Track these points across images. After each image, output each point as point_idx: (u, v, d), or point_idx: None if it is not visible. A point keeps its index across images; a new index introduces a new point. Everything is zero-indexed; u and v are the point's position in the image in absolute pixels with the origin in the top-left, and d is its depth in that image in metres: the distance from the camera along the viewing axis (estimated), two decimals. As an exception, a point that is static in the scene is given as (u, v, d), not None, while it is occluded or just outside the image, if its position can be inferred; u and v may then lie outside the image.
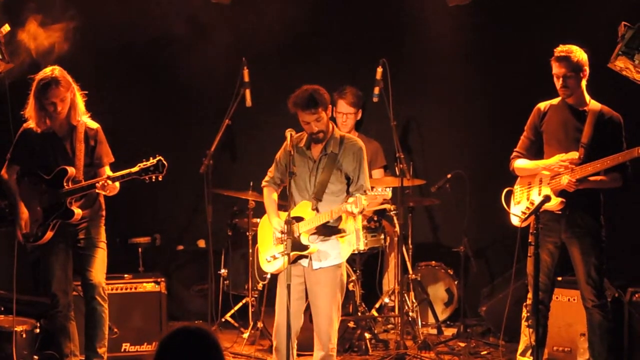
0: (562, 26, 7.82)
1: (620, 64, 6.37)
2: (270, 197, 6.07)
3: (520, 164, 6.31)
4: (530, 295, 6.16)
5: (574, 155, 6.03)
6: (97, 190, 6.20)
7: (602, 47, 6.42)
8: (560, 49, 6.06)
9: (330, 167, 5.81)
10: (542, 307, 6.16)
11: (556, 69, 6.07)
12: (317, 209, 5.76)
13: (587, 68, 6.07)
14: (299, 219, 5.78)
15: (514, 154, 6.37)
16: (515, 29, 8.20)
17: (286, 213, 5.85)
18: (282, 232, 5.75)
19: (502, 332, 6.57)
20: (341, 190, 5.84)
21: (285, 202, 6.13)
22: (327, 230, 5.81)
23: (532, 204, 6.01)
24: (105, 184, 6.11)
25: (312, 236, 5.79)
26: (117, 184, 6.19)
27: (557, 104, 6.24)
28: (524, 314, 6.32)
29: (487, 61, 8.32)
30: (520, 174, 6.34)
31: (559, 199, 6.05)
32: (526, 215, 5.87)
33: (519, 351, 6.39)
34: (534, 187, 6.20)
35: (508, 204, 6.32)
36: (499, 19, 8.25)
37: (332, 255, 5.83)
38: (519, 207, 6.22)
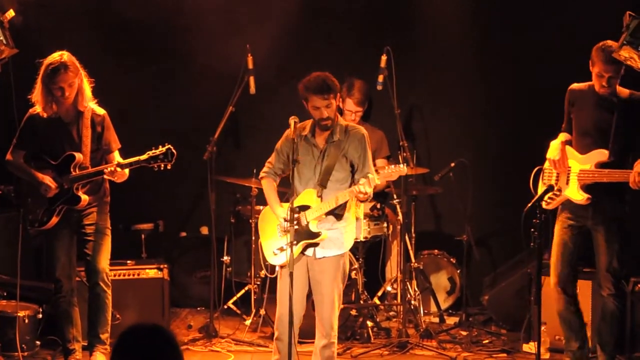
0: (568, 15, 7.81)
1: (625, 54, 6.35)
2: (271, 188, 6.00)
3: (558, 139, 6.32)
4: (552, 283, 6.29)
5: (602, 155, 6.05)
6: (105, 177, 6.21)
7: (607, 37, 6.40)
8: (611, 49, 5.92)
9: (335, 155, 5.79)
10: (568, 296, 6.26)
11: (604, 69, 5.97)
12: (321, 197, 5.76)
13: None
14: (305, 208, 5.77)
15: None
16: (520, 17, 8.17)
17: (287, 204, 5.86)
18: (287, 221, 5.72)
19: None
20: (345, 178, 5.82)
21: (286, 189, 6.13)
22: (333, 217, 5.82)
23: (560, 190, 6.09)
24: (115, 170, 6.12)
25: (321, 224, 5.79)
26: (127, 171, 6.19)
27: (585, 90, 6.18)
28: (556, 306, 6.38)
29: (492, 49, 8.30)
30: None
31: (586, 195, 6.08)
32: (529, 205, 5.88)
33: (564, 341, 6.43)
34: (562, 175, 6.21)
35: (536, 183, 6.36)
36: (504, 6, 8.22)
37: (336, 244, 5.82)
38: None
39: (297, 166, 5.81)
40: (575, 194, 6.12)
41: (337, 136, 5.82)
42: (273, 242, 5.93)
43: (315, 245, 5.76)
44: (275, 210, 5.91)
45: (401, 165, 5.70)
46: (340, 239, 5.82)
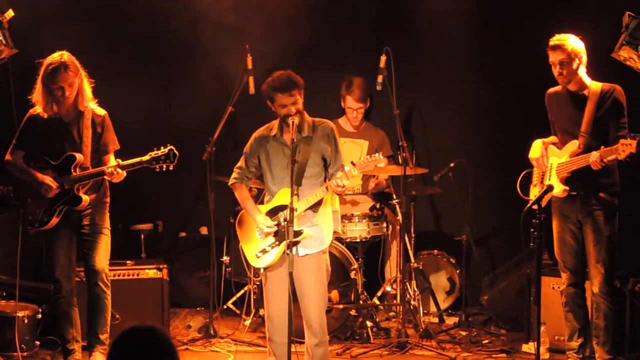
0: (566, 15, 7.79)
1: (624, 54, 6.37)
2: (245, 194, 6.04)
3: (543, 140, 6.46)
4: (564, 280, 6.35)
5: (574, 145, 6.10)
6: (105, 177, 6.21)
7: (606, 37, 6.41)
8: (555, 38, 6.13)
9: (307, 151, 5.80)
10: (578, 289, 6.32)
11: (551, 57, 6.15)
12: (298, 195, 5.75)
13: (583, 55, 6.12)
14: (283, 208, 5.77)
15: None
16: (519, 17, 8.17)
17: (264, 207, 5.90)
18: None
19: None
20: (319, 173, 5.84)
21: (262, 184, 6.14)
22: (311, 213, 5.82)
23: (544, 187, 6.16)
24: (115, 171, 6.11)
25: (300, 222, 5.78)
26: (124, 171, 6.19)
27: (560, 92, 6.31)
28: (562, 299, 6.41)
29: (491, 49, 8.29)
30: None
31: (563, 187, 6.17)
32: (528, 205, 5.91)
33: (566, 338, 6.46)
34: (546, 172, 6.33)
35: (526, 186, 6.46)
36: (503, 7, 8.22)
37: (318, 240, 5.83)
38: (536, 189, 6.39)
39: (269, 166, 5.87)
40: (555, 187, 6.18)
41: (305, 132, 5.83)
42: (254, 246, 5.95)
43: (297, 243, 5.75)
44: (255, 216, 5.92)
45: (377, 155, 5.70)
46: (320, 235, 5.84)
